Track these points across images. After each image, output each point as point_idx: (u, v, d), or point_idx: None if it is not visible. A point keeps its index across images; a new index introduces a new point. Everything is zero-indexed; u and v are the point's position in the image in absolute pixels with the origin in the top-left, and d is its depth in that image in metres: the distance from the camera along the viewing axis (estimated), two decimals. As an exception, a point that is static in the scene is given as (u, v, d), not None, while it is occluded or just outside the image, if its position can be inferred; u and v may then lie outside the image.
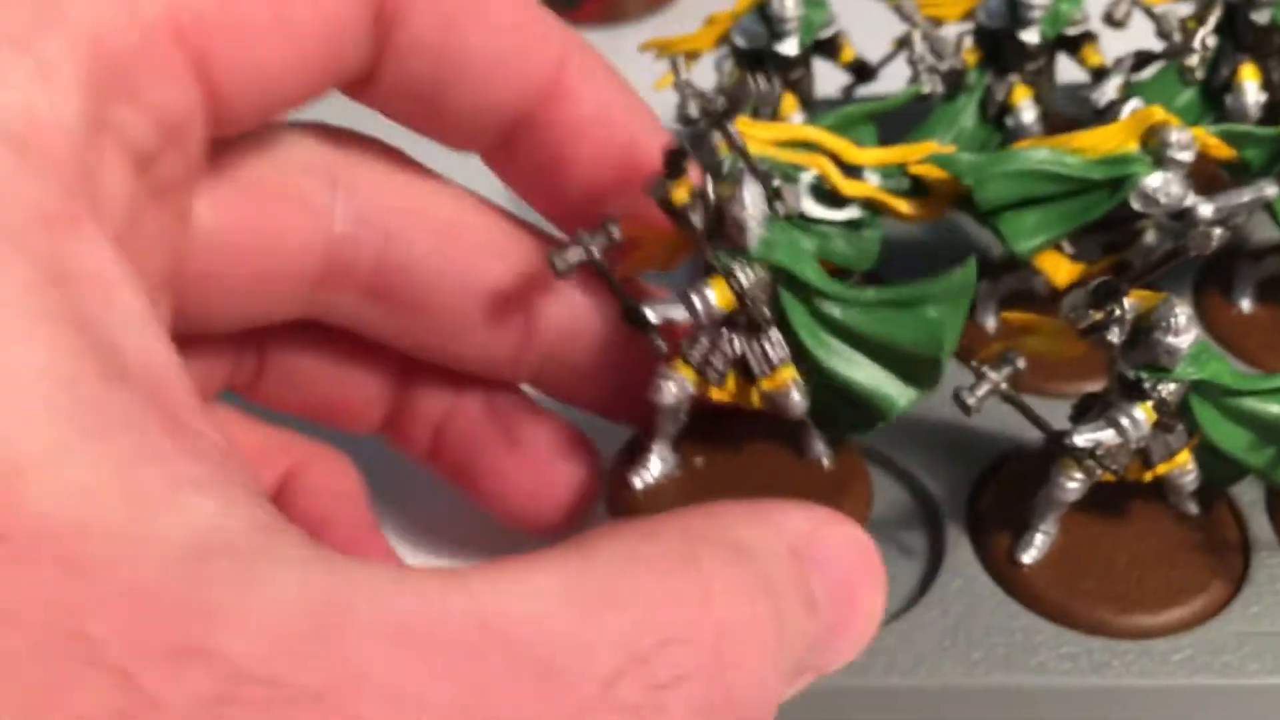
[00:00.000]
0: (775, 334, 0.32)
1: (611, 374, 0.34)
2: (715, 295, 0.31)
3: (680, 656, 0.21)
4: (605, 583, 0.21)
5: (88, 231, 0.22)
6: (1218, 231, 0.27)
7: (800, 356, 0.32)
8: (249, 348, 0.34)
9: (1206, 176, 0.38)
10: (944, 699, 0.31)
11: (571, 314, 0.33)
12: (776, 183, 0.31)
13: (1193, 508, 0.34)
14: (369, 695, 0.18)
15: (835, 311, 0.32)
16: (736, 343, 0.32)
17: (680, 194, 0.30)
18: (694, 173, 0.31)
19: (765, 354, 0.32)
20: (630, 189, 0.31)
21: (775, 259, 0.31)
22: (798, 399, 0.33)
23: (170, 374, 0.22)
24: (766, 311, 0.32)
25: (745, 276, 0.31)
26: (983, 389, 0.31)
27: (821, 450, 0.34)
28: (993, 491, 0.36)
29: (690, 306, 0.31)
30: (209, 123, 0.27)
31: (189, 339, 0.31)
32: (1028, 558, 0.33)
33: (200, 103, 0.26)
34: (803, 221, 0.36)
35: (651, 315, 0.30)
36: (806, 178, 0.37)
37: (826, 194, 0.37)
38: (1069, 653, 0.31)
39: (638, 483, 0.34)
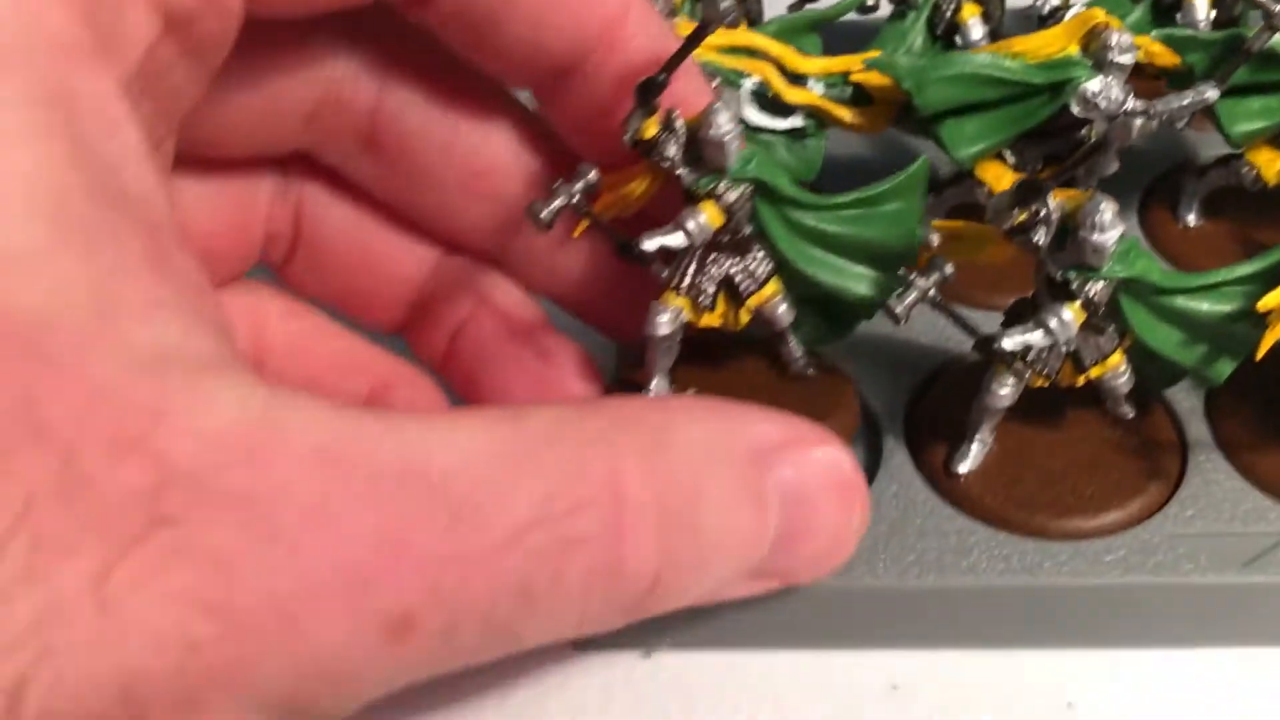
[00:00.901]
0: (758, 250, 0.33)
1: (601, 278, 0.34)
2: (707, 217, 0.31)
3: (586, 522, 0.23)
4: (530, 447, 0.23)
5: (98, 64, 0.23)
6: (1137, 122, 0.27)
7: (781, 268, 0.33)
8: (286, 219, 0.34)
9: (1149, 93, 0.37)
10: (877, 601, 0.31)
11: None
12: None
13: (1128, 411, 0.34)
14: (290, 504, 0.20)
15: (810, 220, 0.32)
16: (723, 264, 0.32)
17: (650, 129, 0.31)
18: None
19: (751, 271, 0.33)
20: None
21: (754, 174, 0.31)
22: (785, 310, 0.33)
23: (162, 209, 0.23)
24: (749, 228, 0.32)
25: (730, 195, 0.31)
26: (910, 296, 0.30)
27: (805, 362, 0.35)
28: (929, 402, 0.35)
29: (685, 230, 0.31)
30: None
31: (228, 197, 0.32)
32: (964, 467, 0.33)
33: None
34: (746, 130, 0.36)
35: (648, 245, 0.31)
36: (749, 84, 0.37)
37: (769, 101, 0.37)
38: (1002, 554, 0.31)
39: None
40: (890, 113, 0.37)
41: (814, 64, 0.37)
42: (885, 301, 0.30)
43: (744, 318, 0.33)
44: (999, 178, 0.37)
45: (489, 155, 0.33)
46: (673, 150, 0.31)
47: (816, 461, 0.28)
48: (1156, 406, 0.34)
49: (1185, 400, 0.35)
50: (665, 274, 0.32)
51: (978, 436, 0.33)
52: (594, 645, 0.32)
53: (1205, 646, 0.32)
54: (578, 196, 0.31)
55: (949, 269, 0.31)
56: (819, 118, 0.37)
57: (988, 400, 0.32)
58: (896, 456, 0.34)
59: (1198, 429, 0.34)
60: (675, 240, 0.31)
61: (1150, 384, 0.33)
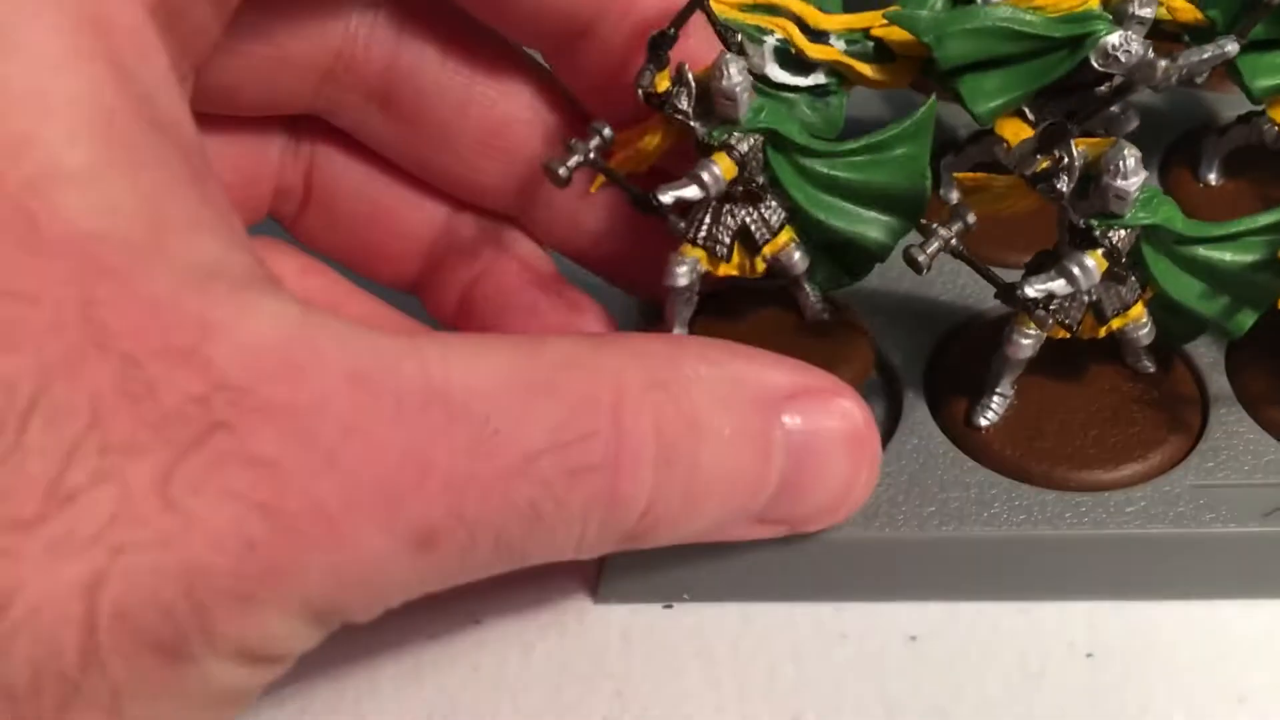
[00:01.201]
0: (771, 199, 0.33)
1: (619, 232, 0.35)
2: (721, 168, 0.31)
3: (590, 452, 0.24)
4: (545, 375, 0.24)
5: None
6: (1163, 63, 0.27)
7: (794, 215, 0.33)
8: (297, 173, 0.34)
9: (1169, 51, 0.37)
10: (897, 552, 0.31)
11: None
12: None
13: (1149, 364, 0.33)
14: (328, 418, 0.21)
15: (821, 167, 0.32)
16: (737, 214, 0.33)
17: (661, 83, 0.31)
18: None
19: (765, 219, 0.33)
20: None
21: (765, 123, 0.31)
22: (799, 256, 0.33)
23: (193, 136, 0.24)
24: (761, 178, 0.32)
25: (742, 145, 0.31)
26: (933, 245, 0.30)
27: (821, 308, 0.35)
28: (949, 356, 0.35)
29: (701, 182, 0.31)
30: None
31: (239, 151, 0.33)
32: (984, 420, 0.33)
33: None
34: (768, 87, 0.36)
35: (665, 197, 0.31)
36: (771, 41, 0.36)
37: (791, 58, 0.37)
38: (1023, 505, 0.31)
39: None
40: (912, 68, 0.37)
41: (835, 20, 0.37)
42: (908, 250, 0.30)
43: (760, 266, 0.33)
44: (1018, 134, 0.37)
45: (505, 112, 0.33)
46: (684, 103, 0.31)
47: (828, 413, 0.29)
48: (1177, 360, 0.34)
49: (1206, 354, 0.35)
50: (681, 226, 0.32)
51: (998, 389, 0.33)
52: (615, 596, 0.32)
53: (1226, 599, 0.32)
54: (593, 153, 0.31)
55: (971, 218, 0.31)
56: (841, 74, 0.37)
57: (1009, 351, 0.32)
58: (917, 410, 0.34)
59: (1218, 382, 0.34)
60: (691, 192, 0.31)
61: (1171, 336, 0.33)
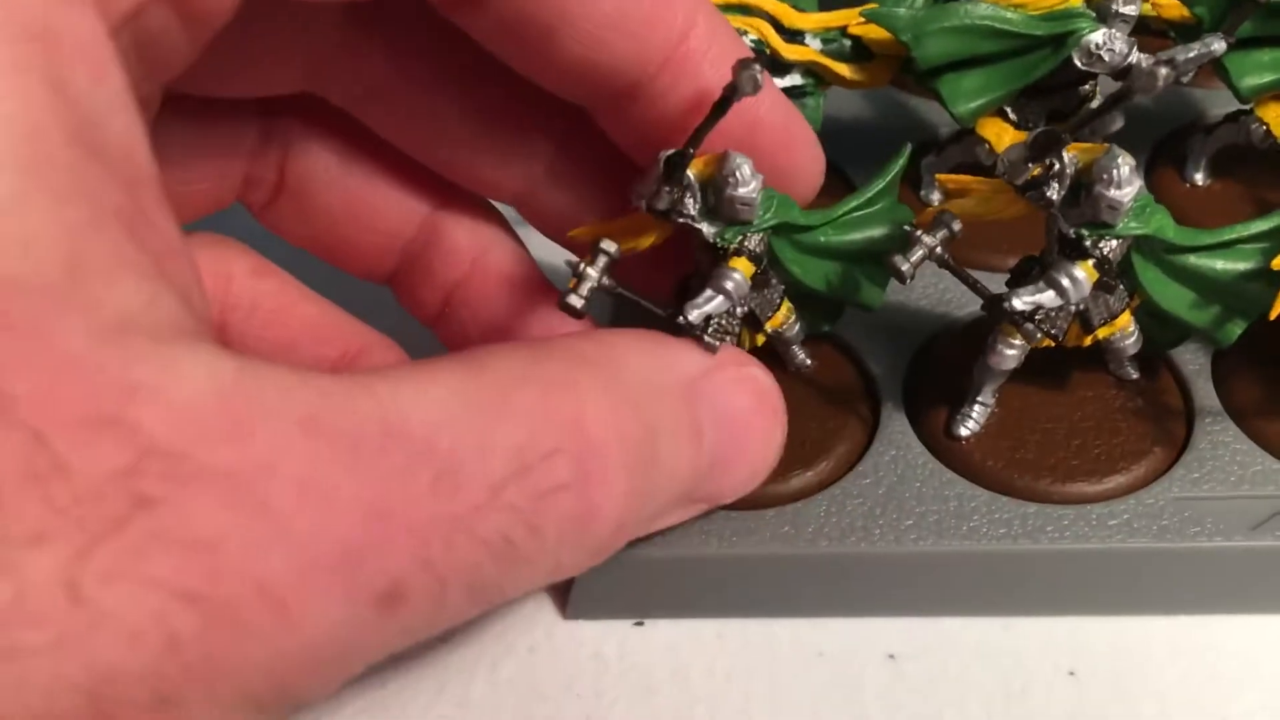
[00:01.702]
0: (775, 280, 0.32)
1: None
2: (742, 274, 0.30)
3: (558, 469, 0.23)
4: (498, 395, 0.23)
5: (86, 6, 0.21)
6: (1163, 71, 0.26)
7: (789, 287, 0.32)
8: (271, 162, 0.32)
9: (1154, 49, 0.36)
10: (874, 567, 0.30)
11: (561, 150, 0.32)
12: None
13: (1133, 372, 0.33)
14: (280, 478, 0.19)
15: (816, 237, 0.31)
16: (747, 302, 0.32)
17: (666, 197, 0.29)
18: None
19: (768, 299, 0.32)
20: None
21: (777, 219, 0.30)
22: (799, 328, 0.33)
23: (144, 164, 0.21)
24: (765, 262, 0.31)
25: (757, 245, 0.30)
26: (916, 253, 0.29)
27: (803, 359, 0.34)
28: (928, 365, 0.34)
29: (726, 292, 0.30)
30: None
31: (208, 135, 0.31)
32: (965, 430, 0.32)
33: None
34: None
35: (693, 316, 0.29)
36: (745, 42, 0.36)
37: (767, 59, 0.36)
38: (1003, 519, 0.30)
39: None
40: (891, 67, 0.36)
41: (811, 19, 0.36)
42: (891, 259, 0.29)
43: (759, 340, 0.32)
44: (1000, 134, 0.36)
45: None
46: (692, 207, 0.29)
47: (740, 385, 0.28)
48: (1162, 368, 0.34)
49: (1191, 360, 0.34)
50: (715, 344, 0.30)
51: (979, 399, 0.32)
52: (584, 613, 0.31)
53: (1211, 614, 0.31)
54: (605, 278, 0.29)
55: (956, 225, 0.29)
56: (818, 75, 0.36)
57: (992, 361, 0.31)
58: (895, 421, 0.33)
59: (1204, 390, 0.33)
60: (717, 305, 0.30)
61: (1156, 344, 0.33)
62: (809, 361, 0.34)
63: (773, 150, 0.30)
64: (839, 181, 0.40)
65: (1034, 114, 0.37)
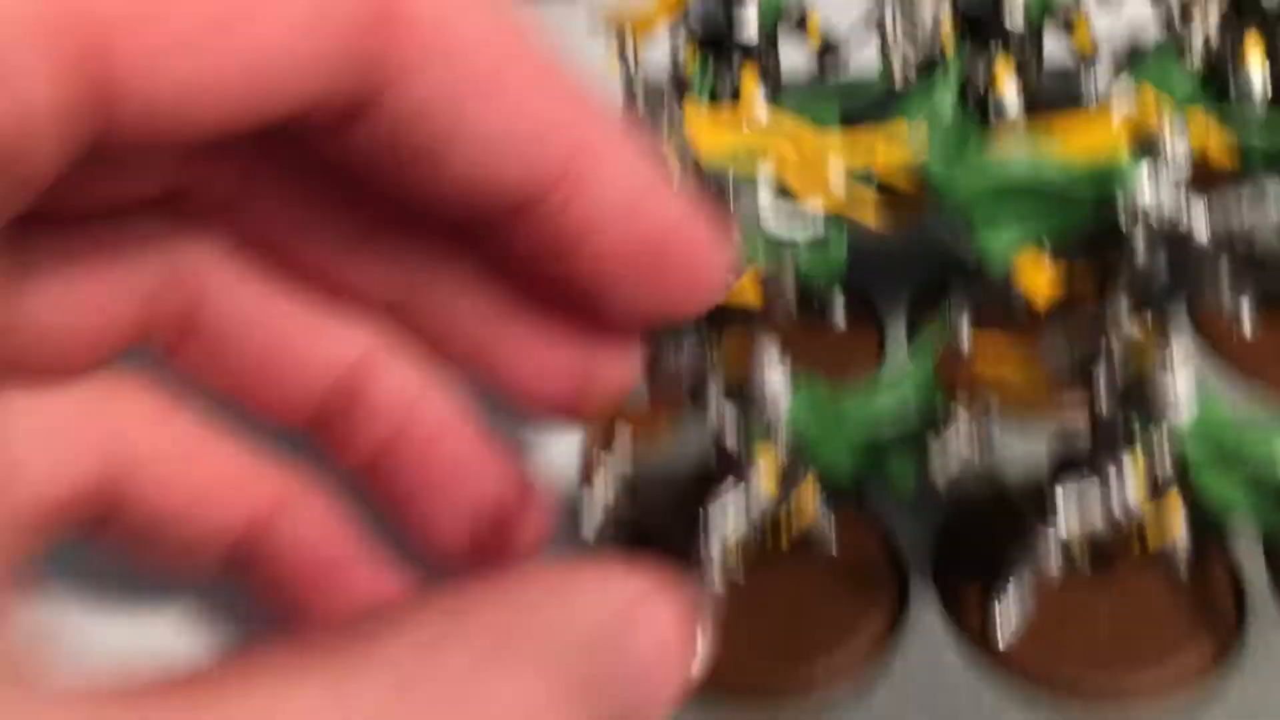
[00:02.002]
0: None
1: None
2: (765, 472, 0.29)
3: None
4: (379, 706, 0.18)
5: None
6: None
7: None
8: (174, 297, 0.28)
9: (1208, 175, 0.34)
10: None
11: None
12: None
13: (1182, 571, 0.31)
14: None
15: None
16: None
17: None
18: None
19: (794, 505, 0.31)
20: (657, 287, 0.27)
21: (806, 431, 0.29)
22: (827, 531, 0.32)
23: None
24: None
25: (782, 451, 0.29)
26: (953, 466, 0.28)
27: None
28: (962, 544, 0.32)
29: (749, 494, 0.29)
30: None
31: (91, 272, 0.26)
32: (1003, 633, 0.30)
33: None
34: (768, 243, 0.34)
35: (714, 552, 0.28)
36: (764, 172, 0.34)
37: (786, 192, 0.34)
38: (1044, 736, 0.28)
39: None
40: (918, 208, 0.34)
41: (833, 142, 0.34)
42: (926, 473, 0.27)
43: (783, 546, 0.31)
44: (1035, 283, 0.34)
45: None
46: (714, 408, 0.28)
47: (663, 623, 0.23)
48: (1213, 556, 0.31)
49: (1246, 554, 0.32)
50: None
51: (1016, 597, 0.30)
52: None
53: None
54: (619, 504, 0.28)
55: (994, 427, 0.27)
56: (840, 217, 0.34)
57: (1033, 563, 0.29)
58: (926, 614, 0.31)
59: (1257, 581, 0.31)
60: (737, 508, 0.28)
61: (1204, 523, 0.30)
62: (834, 539, 0.32)
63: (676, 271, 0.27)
64: (865, 312, 0.38)
65: (1072, 255, 0.35)
